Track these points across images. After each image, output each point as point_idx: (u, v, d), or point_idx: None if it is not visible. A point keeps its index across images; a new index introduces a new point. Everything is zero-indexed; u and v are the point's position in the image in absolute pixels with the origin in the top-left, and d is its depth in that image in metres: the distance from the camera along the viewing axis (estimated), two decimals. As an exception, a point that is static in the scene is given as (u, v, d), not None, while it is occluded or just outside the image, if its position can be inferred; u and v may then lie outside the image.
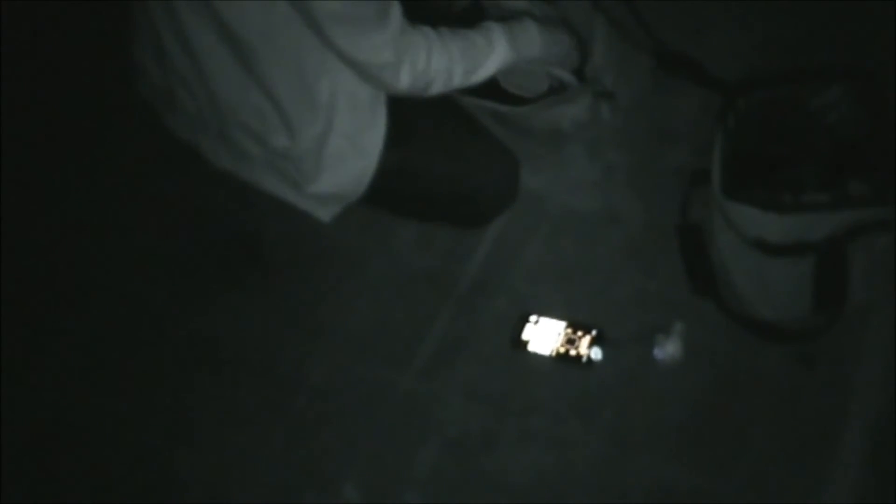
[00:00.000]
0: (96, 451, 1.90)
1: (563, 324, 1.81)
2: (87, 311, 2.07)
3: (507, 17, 1.80)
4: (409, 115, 1.73)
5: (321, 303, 1.97)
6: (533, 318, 1.83)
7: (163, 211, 2.12)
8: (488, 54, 1.69)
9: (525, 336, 1.81)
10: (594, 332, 1.78)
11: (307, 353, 1.92)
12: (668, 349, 1.73)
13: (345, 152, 1.69)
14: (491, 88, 1.81)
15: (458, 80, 1.67)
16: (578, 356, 1.77)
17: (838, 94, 1.70)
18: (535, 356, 1.80)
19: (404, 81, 1.60)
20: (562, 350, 1.79)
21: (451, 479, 1.75)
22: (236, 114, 1.67)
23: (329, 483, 1.78)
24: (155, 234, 2.11)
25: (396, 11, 1.56)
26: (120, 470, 1.87)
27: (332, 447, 1.82)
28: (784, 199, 1.62)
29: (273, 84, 1.61)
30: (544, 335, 1.81)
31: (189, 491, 1.83)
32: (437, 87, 1.66)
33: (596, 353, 1.77)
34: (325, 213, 1.78)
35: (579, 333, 1.79)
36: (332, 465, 1.80)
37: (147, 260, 2.09)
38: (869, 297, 1.68)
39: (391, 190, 1.78)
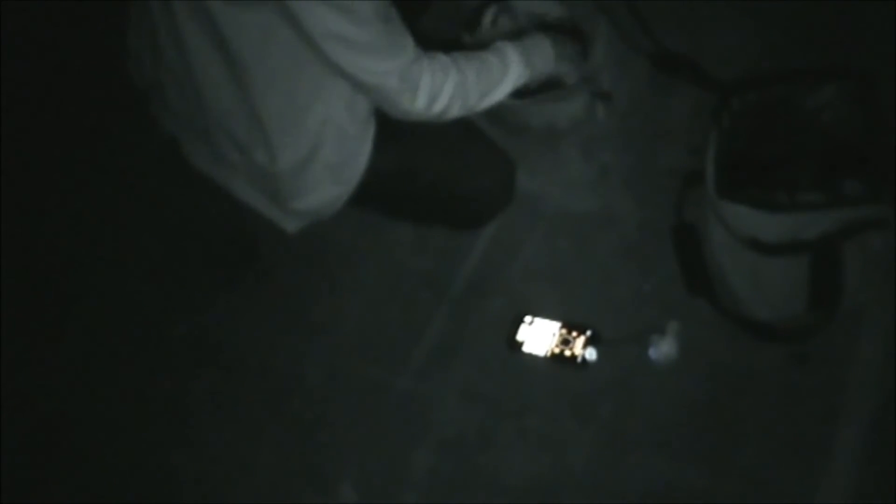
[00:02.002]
0: (94, 451, 1.91)
1: (557, 324, 1.81)
2: (83, 312, 2.08)
3: (518, 34, 1.81)
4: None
5: (317, 303, 1.98)
6: (528, 318, 1.83)
7: (158, 212, 2.13)
8: (503, 74, 1.69)
9: (520, 337, 1.82)
10: (589, 333, 1.79)
11: (304, 353, 1.93)
12: (663, 349, 1.73)
13: (323, 180, 1.69)
14: None
15: (474, 102, 1.67)
16: (573, 357, 1.78)
17: (832, 93, 1.70)
18: (531, 357, 1.80)
19: (420, 105, 1.59)
20: (557, 351, 1.79)
21: (448, 479, 1.75)
22: (222, 120, 1.67)
23: (326, 483, 1.79)
24: (150, 234, 2.12)
25: (409, 37, 1.56)
26: (118, 470, 1.88)
27: (330, 447, 1.83)
28: (778, 198, 1.62)
29: (260, 104, 1.60)
30: (539, 336, 1.81)
31: (186, 491, 1.85)
32: (454, 111, 1.65)
33: (591, 354, 1.77)
34: (291, 226, 1.79)
35: (574, 334, 1.79)
36: (329, 466, 1.81)
37: (143, 261, 2.10)
38: (864, 296, 1.68)
39: (388, 191, 1.78)
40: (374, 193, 1.76)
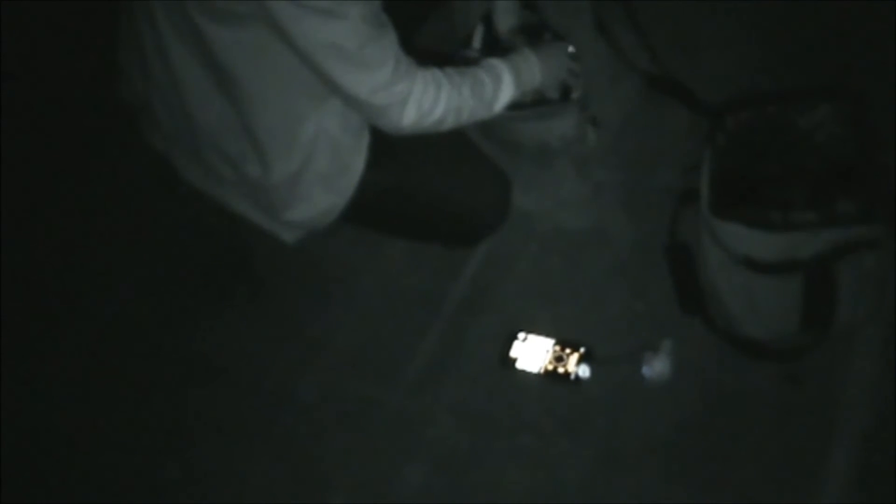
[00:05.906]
0: (89, 463, 1.89)
1: (551, 341, 1.81)
2: (80, 327, 2.07)
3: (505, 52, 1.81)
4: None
5: (311, 319, 1.98)
6: (521, 335, 1.83)
7: (152, 227, 2.13)
8: (497, 91, 1.69)
9: (513, 354, 1.82)
10: (582, 350, 1.79)
11: (297, 369, 1.93)
12: (656, 367, 1.73)
13: (317, 191, 1.69)
14: None
15: (467, 116, 1.67)
16: (567, 374, 1.78)
17: (826, 113, 1.71)
18: (524, 374, 1.80)
19: (409, 119, 1.58)
20: (550, 368, 1.79)
21: (440, 497, 1.74)
22: (211, 136, 1.66)
23: (318, 499, 1.78)
24: (145, 250, 2.12)
25: (401, 49, 1.55)
26: (112, 482, 1.86)
27: (322, 463, 1.82)
28: (772, 217, 1.62)
29: (253, 117, 1.59)
30: (533, 353, 1.81)
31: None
32: (447, 126, 1.64)
33: (584, 371, 1.77)
34: (289, 237, 1.79)
35: (567, 351, 1.79)
36: (321, 481, 1.80)
37: (138, 276, 2.10)
38: (856, 316, 1.68)
39: (383, 208, 1.78)
40: (368, 210, 1.76)
